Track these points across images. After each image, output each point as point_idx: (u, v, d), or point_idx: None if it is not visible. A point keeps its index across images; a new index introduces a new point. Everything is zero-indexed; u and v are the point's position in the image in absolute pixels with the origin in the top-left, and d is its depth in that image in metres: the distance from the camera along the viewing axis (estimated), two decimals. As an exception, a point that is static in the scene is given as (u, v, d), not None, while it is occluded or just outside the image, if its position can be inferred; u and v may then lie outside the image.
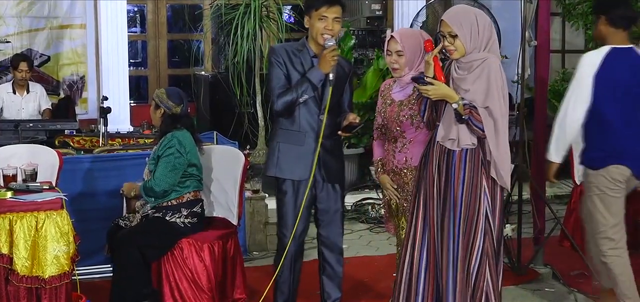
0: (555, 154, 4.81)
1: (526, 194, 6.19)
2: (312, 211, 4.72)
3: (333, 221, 4.66)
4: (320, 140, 4.45)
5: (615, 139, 4.65)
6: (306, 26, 4.54)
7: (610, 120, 4.64)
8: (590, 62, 4.70)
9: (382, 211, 5.74)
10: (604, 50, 4.72)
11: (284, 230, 4.61)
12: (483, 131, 3.94)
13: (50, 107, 8.57)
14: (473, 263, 4.04)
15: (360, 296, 5.55)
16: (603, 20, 4.77)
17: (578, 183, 6.69)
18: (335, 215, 4.66)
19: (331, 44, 4.38)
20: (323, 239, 4.70)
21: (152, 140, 6.50)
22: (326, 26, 4.41)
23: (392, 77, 4.72)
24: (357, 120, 4.43)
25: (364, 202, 8.08)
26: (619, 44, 4.71)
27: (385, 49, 4.60)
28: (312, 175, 4.48)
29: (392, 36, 4.53)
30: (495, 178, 4.03)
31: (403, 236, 4.51)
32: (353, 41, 8.99)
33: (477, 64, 3.99)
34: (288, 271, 4.64)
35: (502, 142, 3.98)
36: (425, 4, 9.41)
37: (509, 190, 4.11)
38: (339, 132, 4.50)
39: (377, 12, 9.84)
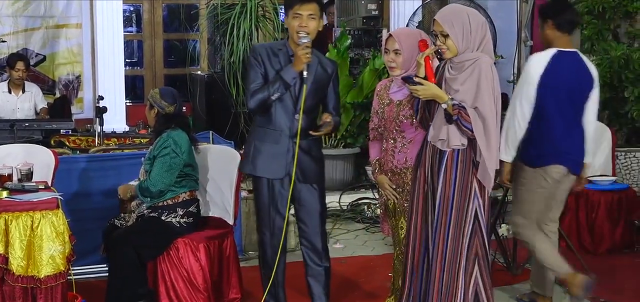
0: (505, 154, 4.90)
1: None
2: (292, 210, 4.71)
3: (311, 221, 4.60)
4: (298, 140, 4.42)
5: (555, 139, 4.82)
6: (286, 26, 4.54)
7: (551, 120, 4.80)
8: (538, 63, 4.83)
9: (379, 211, 5.74)
10: (550, 52, 4.85)
11: (263, 229, 4.61)
12: (472, 131, 3.94)
13: (46, 107, 8.56)
14: (463, 264, 4.05)
15: (355, 295, 5.55)
16: (550, 24, 4.94)
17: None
18: (314, 215, 4.59)
19: (305, 41, 4.35)
20: (303, 240, 4.67)
21: (147, 140, 6.49)
22: (300, 24, 4.38)
23: (388, 76, 4.72)
24: (328, 119, 4.42)
25: (359, 202, 8.08)
26: (564, 48, 4.87)
27: (383, 48, 4.59)
28: (293, 174, 4.47)
29: (390, 34, 4.53)
30: (481, 180, 4.02)
31: (402, 236, 4.51)
32: (349, 41, 9.00)
33: (468, 64, 3.99)
34: (269, 267, 4.64)
35: (492, 143, 3.97)
36: (421, 3, 9.42)
37: (490, 190, 4.11)
38: (311, 131, 4.46)
39: (373, 12, 9.84)
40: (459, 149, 4.02)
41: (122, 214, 5.10)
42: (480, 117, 3.93)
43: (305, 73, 4.36)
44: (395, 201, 4.60)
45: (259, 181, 4.56)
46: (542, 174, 4.85)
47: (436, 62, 4.25)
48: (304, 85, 4.38)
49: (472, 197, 4.03)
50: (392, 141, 4.58)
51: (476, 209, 4.04)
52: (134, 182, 5.09)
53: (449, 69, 4.08)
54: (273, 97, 4.40)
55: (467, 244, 4.04)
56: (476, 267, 4.07)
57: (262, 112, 4.48)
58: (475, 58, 3.98)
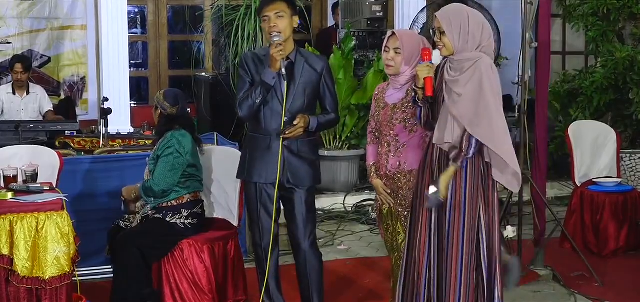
0: None
1: (527, 196, 6.19)
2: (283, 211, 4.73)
3: (297, 223, 4.60)
4: (281, 142, 4.47)
5: None
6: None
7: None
8: (435, 57, 5.08)
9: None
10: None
11: (253, 228, 4.66)
12: (481, 142, 3.93)
13: (53, 109, 8.57)
14: (474, 267, 4.03)
15: (360, 296, 5.55)
16: None
17: (578, 185, 6.71)
18: (299, 216, 4.59)
19: (276, 39, 4.39)
20: (291, 242, 4.69)
21: (152, 141, 6.50)
22: (270, 25, 4.44)
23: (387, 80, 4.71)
24: (297, 121, 4.43)
25: (364, 203, 8.08)
26: None
27: (384, 45, 4.58)
28: (277, 177, 4.49)
29: (393, 32, 4.51)
30: (499, 180, 4.00)
31: (400, 240, 4.49)
32: (354, 42, 8.99)
33: (469, 66, 3.96)
34: (262, 268, 4.65)
35: (503, 140, 3.93)
36: (425, 5, 9.41)
37: (515, 189, 4.10)
38: (279, 133, 4.47)
39: (378, 14, 9.82)
40: None
41: (127, 215, 5.11)
42: (486, 118, 3.91)
43: (283, 70, 4.39)
44: (390, 206, 4.58)
45: (248, 186, 4.62)
46: None
47: (438, 58, 4.21)
48: (284, 82, 4.41)
49: (480, 200, 4.01)
50: (386, 145, 4.55)
51: (481, 212, 4.03)
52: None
53: (449, 69, 4.06)
54: (257, 101, 4.44)
55: (475, 248, 4.03)
56: (483, 270, 4.06)
57: (252, 119, 4.53)
58: (475, 59, 3.96)
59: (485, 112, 3.91)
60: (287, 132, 4.45)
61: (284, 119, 4.46)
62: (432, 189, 3.98)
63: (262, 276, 4.68)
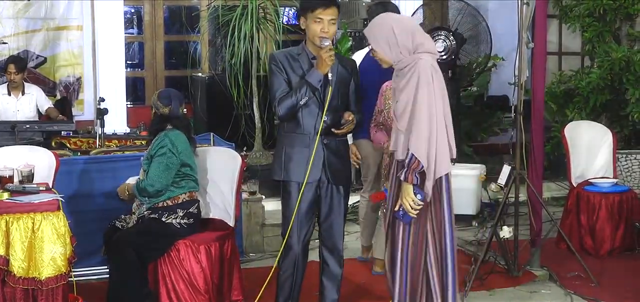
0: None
1: (523, 196, 6.19)
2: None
3: (335, 222, 4.66)
4: (317, 139, 4.47)
5: (367, 118, 5.29)
6: (302, 27, 4.56)
7: (367, 102, 5.24)
8: (359, 56, 5.97)
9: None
10: (366, 50, 5.75)
11: (291, 232, 4.59)
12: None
13: (53, 106, 8.56)
14: (423, 268, 4.10)
15: (358, 297, 5.54)
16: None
17: (574, 185, 6.72)
18: (337, 217, 4.65)
19: (327, 43, 4.41)
20: (324, 241, 4.71)
21: (147, 141, 6.50)
22: (322, 28, 4.44)
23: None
24: (350, 118, 4.48)
25: (359, 204, 8.05)
26: None
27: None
28: (312, 175, 4.51)
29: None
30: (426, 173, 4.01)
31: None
32: (350, 43, 8.99)
33: (407, 71, 4.02)
34: (291, 269, 4.64)
35: (426, 151, 3.94)
36: (421, 3, 9.40)
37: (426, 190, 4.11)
38: (333, 130, 4.50)
39: (374, 14, 9.82)
40: None
41: (123, 215, 5.11)
42: (415, 127, 3.93)
43: (330, 75, 4.43)
44: None
45: (289, 185, 4.58)
46: (356, 144, 5.74)
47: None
48: (330, 87, 4.44)
49: (427, 209, 4.05)
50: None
51: (427, 222, 4.07)
52: (131, 180, 5.10)
53: (395, 77, 4.14)
54: (301, 102, 4.46)
55: (423, 248, 4.08)
56: (432, 270, 4.11)
57: (291, 119, 4.52)
58: (413, 62, 3.99)
59: (413, 121, 3.94)
60: (345, 127, 4.50)
61: (326, 119, 4.48)
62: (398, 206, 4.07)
63: (288, 283, 4.66)
